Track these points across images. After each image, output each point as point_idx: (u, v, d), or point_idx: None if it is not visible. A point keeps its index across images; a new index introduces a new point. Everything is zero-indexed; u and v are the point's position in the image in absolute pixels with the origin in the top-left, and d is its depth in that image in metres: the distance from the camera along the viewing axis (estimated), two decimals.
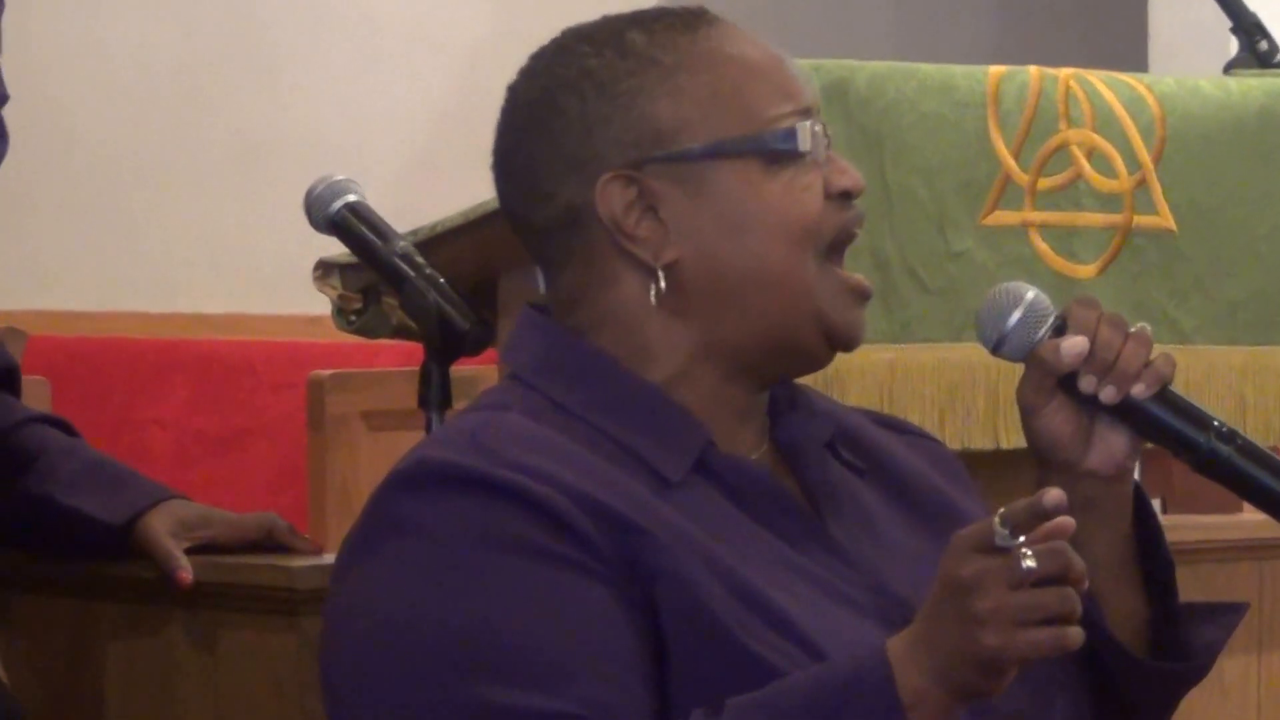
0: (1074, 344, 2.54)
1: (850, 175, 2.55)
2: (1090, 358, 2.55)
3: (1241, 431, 2.64)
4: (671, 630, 2.48)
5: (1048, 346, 2.56)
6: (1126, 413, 2.58)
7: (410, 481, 2.52)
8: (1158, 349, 2.65)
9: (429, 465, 2.52)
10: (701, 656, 2.48)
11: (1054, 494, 2.36)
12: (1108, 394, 2.55)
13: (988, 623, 2.32)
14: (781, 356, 2.60)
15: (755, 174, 2.52)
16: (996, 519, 2.40)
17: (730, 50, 2.60)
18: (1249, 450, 2.61)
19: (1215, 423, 2.62)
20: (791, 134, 2.53)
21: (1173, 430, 2.59)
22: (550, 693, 2.42)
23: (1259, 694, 3.56)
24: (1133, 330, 2.58)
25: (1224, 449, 2.59)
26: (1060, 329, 2.58)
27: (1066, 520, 2.35)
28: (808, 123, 2.54)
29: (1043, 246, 3.23)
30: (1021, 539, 2.38)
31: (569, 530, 2.44)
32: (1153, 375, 2.56)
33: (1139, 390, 2.56)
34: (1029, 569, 2.34)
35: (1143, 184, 3.30)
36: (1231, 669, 3.43)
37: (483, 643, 2.48)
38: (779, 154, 2.53)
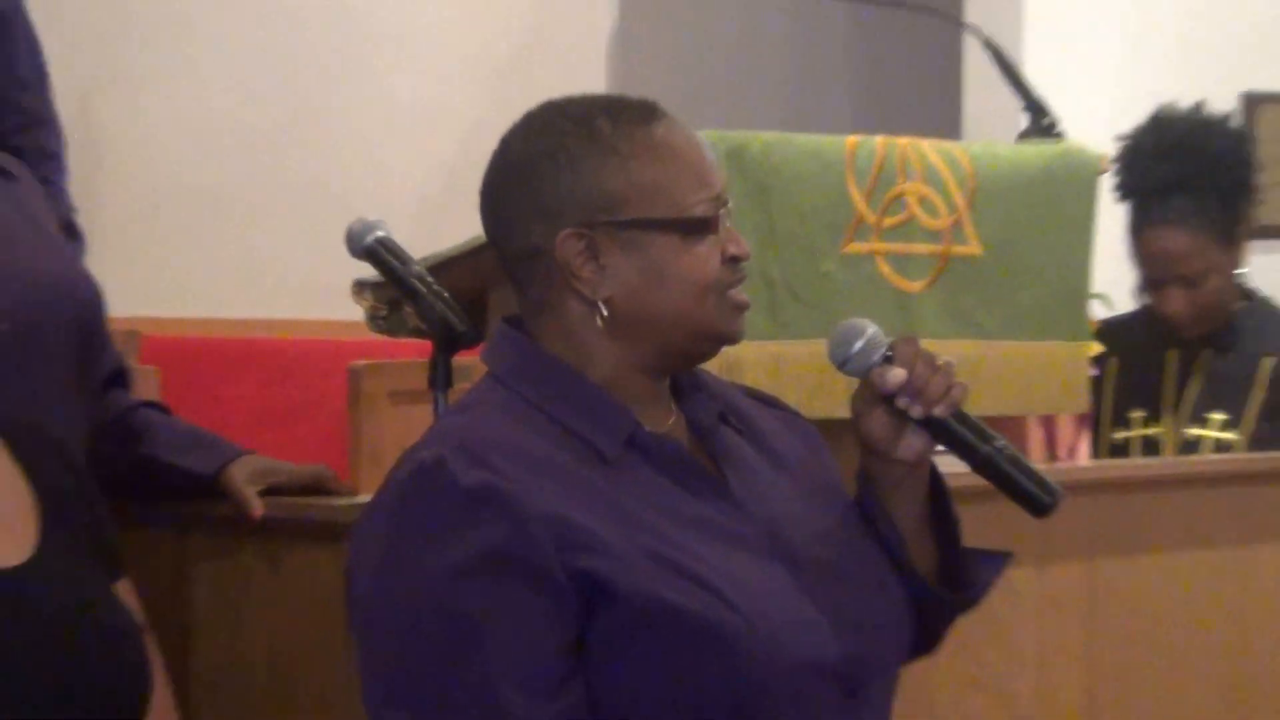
0: (896, 374, 2.60)
1: (740, 245, 2.63)
2: (906, 385, 2.60)
3: (1009, 443, 2.70)
4: (599, 601, 2.45)
5: (876, 373, 2.62)
6: (927, 424, 2.62)
7: (415, 474, 2.51)
8: (970, 348, 2.79)
9: (432, 461, 2.49)
10: (627, 615, 2.45)
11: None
12: (915, 412, 2.61)
13: None
14: (686, 359, 2.66)
15: (674, 243, 2.56)
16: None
17: (670, 145, 2.63)
18: (1013, 459, 2.67)
19: (993, 437, 2.68)
20: (704, 221, 2.59)
21: (959, 441, 2.65)
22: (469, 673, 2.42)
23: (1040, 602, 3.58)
24: (940, 364, 2.65)
25: (996, 457, 2.65)
26: (889, 359, 2.63)
27: None
28: (717, 208, 2.61)
29: (886, 269, 3.32)
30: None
31: (521, 530, 2.43)
32: (949, 403, 2.63)
33: (939, 410, 2.62)
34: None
35: (958, 222, 3.39)
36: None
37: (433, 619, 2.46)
38: (692, 230, 2.58)
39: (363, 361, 3.55)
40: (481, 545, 2.40)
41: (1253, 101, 6.04)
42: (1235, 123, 5.10)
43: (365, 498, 2.79)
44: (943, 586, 2.71)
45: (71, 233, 3.50)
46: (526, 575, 2.40)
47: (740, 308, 2.62)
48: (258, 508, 3.08)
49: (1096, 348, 3.83)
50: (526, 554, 2.40)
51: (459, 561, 2.41)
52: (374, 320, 3.28)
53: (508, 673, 2.39)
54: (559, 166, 2.60)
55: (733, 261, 2.60)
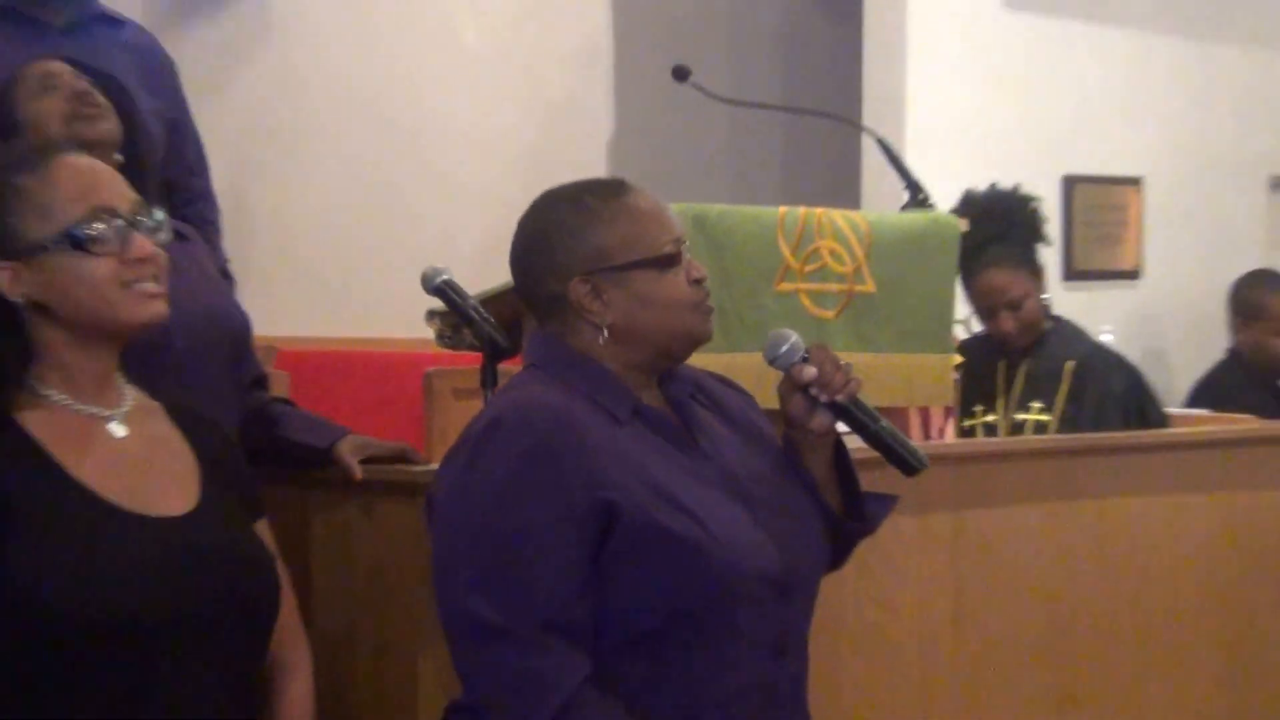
0: (810, 371, 2.65)
1: (699, 269, 2.69)
2: (817, 379, 2.65)
3: (891, 424, 2.76)
4: (612, 523, 2.49)
5: (796, 369, 2.66)
6: (831, 407, 2.66)
7: (491, 424, 2.56)
8: (867, 359, 2.90)
9: (497, 417, 2.57)
10: (633, 534, 2.49)
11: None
12: (822, 398, 2.66)
13: None
14: (673, 358, 2.71)
15: (653, 275, 2.62)
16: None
17: (639, 207, 2.67)
18: (893, 434, 2.73)
19: (879, 418, 2.72)
20: (671, 256, 2.64)
21: (854, 420, 2.69)
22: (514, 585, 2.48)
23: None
24: (841, 365, 2.69)
25: (881, 433, 2.71)
26: (805, 359, 2.67)
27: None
28: (679, 245, 2.67)
29: (806, 302, 3.39)
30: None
31: (562, 469, 2.49)
32: (847, 392, 2.67)
33: (839, 397, 2.66)
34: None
35: (858, 269, 3.46)
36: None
37: (496, 552, 2.50)
38: (664, 264, 2.63)
39: (434, 368, 3.58)
40: (528, 478, 2.47)
41: (1069, 182, 6.03)
42: (1022, 193, 5.17)
43: (434, 466, 2.88)
44: (848, 519, 2.75)
45: (226, 276, 3.50)
46: (560, 501, 2.46)
47: (707, 313, 2.69)
48: (358, 472, 3.10)
49: (959, 359, 3.89)
50: (561, 485, 2.47)
51: (511, 488, 2.47)
52: (441, 339, 3.31)
53: (542, 569, 2.44)
54: (563, 235, 2.65)
55: (696, 283, 2.66)
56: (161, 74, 3.77)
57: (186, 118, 3.84)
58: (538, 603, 2.43)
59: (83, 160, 2.46)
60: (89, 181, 2.42)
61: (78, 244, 2.36)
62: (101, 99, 3.07)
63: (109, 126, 3.02)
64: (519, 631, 2.41)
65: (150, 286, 2.42)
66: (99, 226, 2.37)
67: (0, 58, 3.43)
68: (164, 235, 2.48)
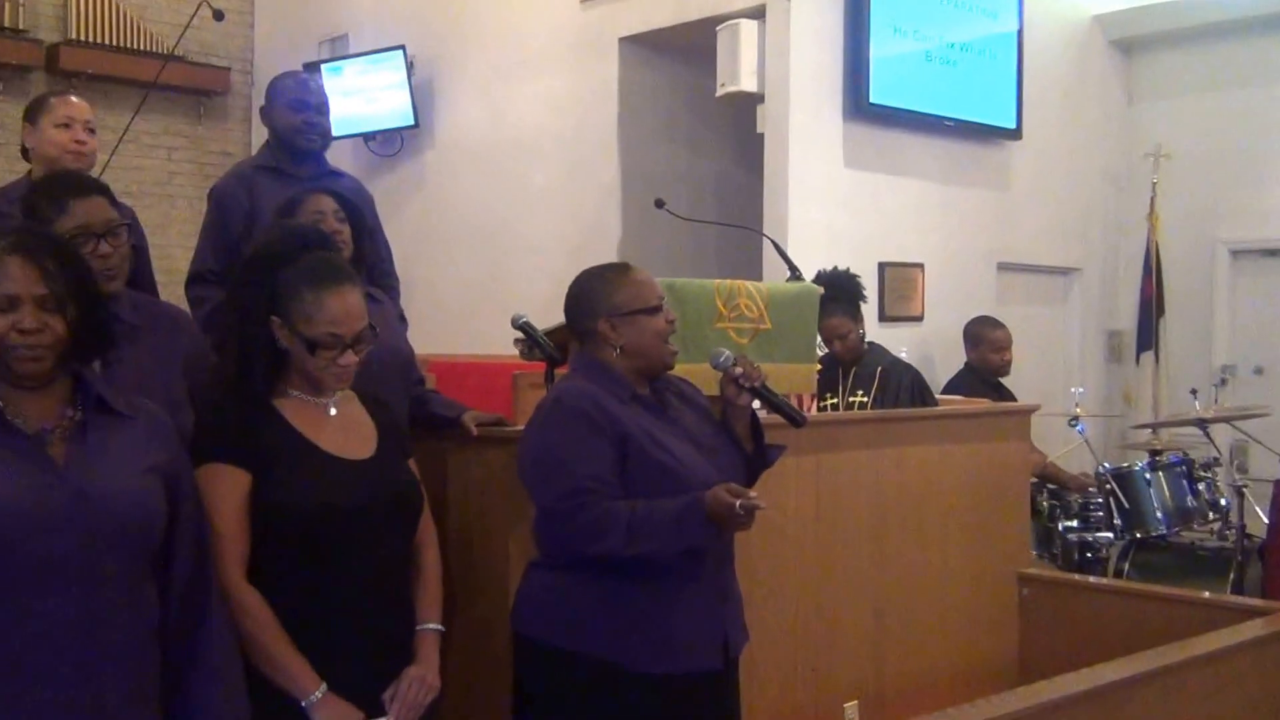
0: (737, 370, 2.64)
1: (670, 313, 2.67)
2: (742, 374, 2.63)
3: (786, 399, 2.76)
4: (628, 456, 2.49)
5: (730, 369, 2.65)
6: (751, 391, 2.64)
7: (551, 400, 2.58)
8: (768, 367, 2.87)
9: (557, 397, 2.57)
10: (639, 463, 2.49)
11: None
12: (745, 385, 2.65)
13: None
14: (655, 368, 2.66)
15: (645, 319, 2.61)
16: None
17: (640, 278, 2.66)
18: (787, 404, 2.71)
19: (778, 395, 2.70)
20: (657, 307, 2.63)
21: (765, 398, 2.67)
22: (581, 472, 2.46)
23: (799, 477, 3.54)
24: (755, 365, 2.67)
25: (781, 403, 2.69)
26: (735, 363, 2.64)
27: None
28: (661, 301, 2.64)
29: (732, 334, 3.30)
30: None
31: (595, 421, 2.48)
32: (759, 379, 2.64)
33: (756, 384, 2.64)
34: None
35: (762, 315, 3.40)
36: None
37: (562, 455, 2.49)
38: (652, 312, 2.61)
39: (518, 371, 3.53)
40: (580, 424, 2.49)
41: (882, 265, 6.03)
42: (850, 271, 5.12)
43: (519, 428, 2.82)
44: (755, 458, 2.70)
45: (402, 319, 3.44)
46: (601, 433, 2.48)
47: (673, 350, 2.67)
48: (474, 432, 3.01)
49: (818, 366, 3.81)
50: (595, 422, 2.49)
51: (567, 427, 2.50)
52: (521, 355, 3.21)
53: (588, 461, 2.46)
54: (594, 293, 2.65)
55: (670, 324, 2.65)
56: (366, 203, 3.65)
57: (380, 228, 3.74)
58: (589, 475, 2.45)
59: (348, 299, 2.34)
60: (340, 316, 2.32)
61: (311, 347, 2.32)
62: (347, 233, 2.98)
63: (346, 251, 2.92)
64: (586, 490, 2.44)
65: (345, 369, 2.36)
66: (328, 349, 2.33)
67: (267, 197, 3.38)
68: (366, 348, 2.41)
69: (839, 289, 4.89)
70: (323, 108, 3.71)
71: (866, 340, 5.05)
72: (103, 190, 2.52)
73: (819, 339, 4.79)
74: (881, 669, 3.83)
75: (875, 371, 4.85)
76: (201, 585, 2.10)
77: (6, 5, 7.57)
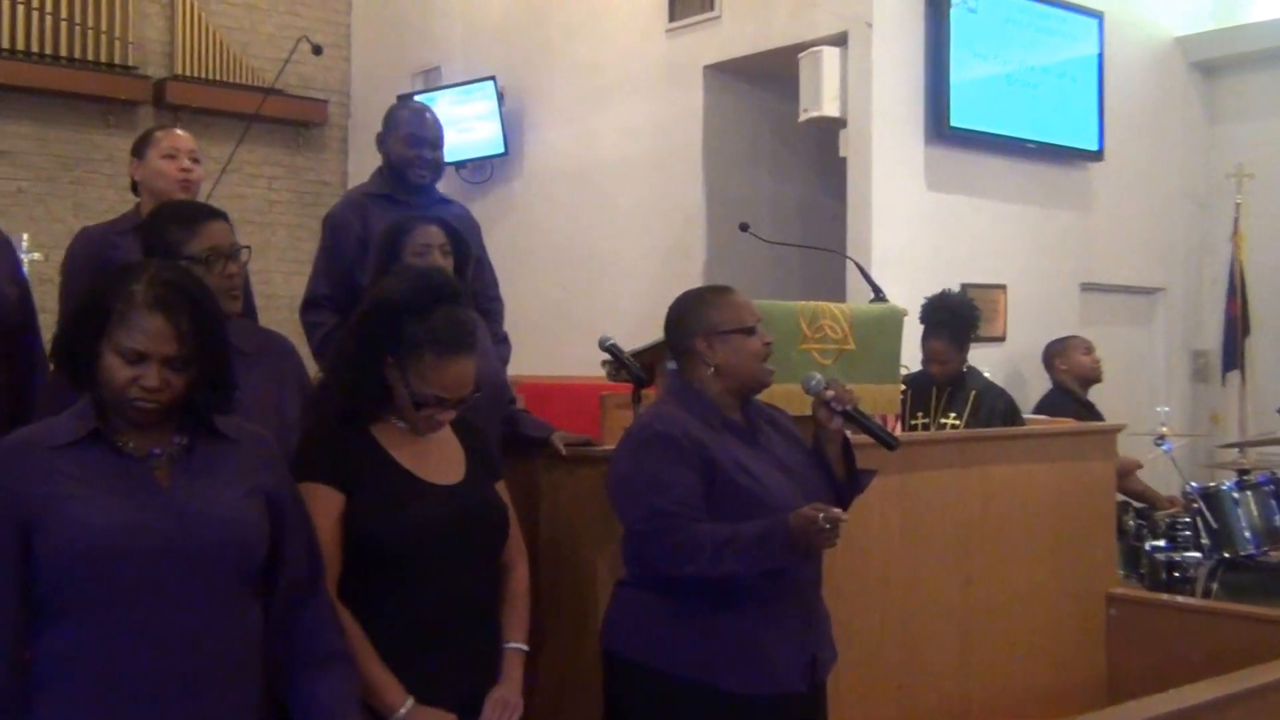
0: (829, 392, 2.59)
1: (766, 336, 2.64)
2: (835, 397, 2.58)
3: (878, 421, 2.77)
4: (715, 482, 2.47)
5: (821, 393, 2.60)
6: (843, 415, 2.59)
7: (641, 426, 2.57)
8: (855, 385, 2.76)
9: (646, 423, 2.56)
10: (725, 489, 2.47)
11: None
12: (838, 408, 2.60)
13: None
14: (749, 391, 2.63)
15: (741, 339, 2.60)
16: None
17: (737, 300, 2.65)
18: (880, 427, 2.69)
19: (870, 418, 2.68)
20: (752, 328, 2.61)
21: (857, 421, 2.61)
22: (667, 495, 2.44)
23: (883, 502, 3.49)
24: (848, 387, 2.62)
25: (873, 426, 2.65)
26: (826, 387, 2.60)
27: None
28: (757, 323, 2.62)
29: (816, 355, 3.26)
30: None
31: (683, 446, 2.45)
32: (851, 403, 2.60)
33: (848, 407, 2.59)
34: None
35: (845, 335, 3.34)
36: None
37: (649, 478, 2.47)
38: (748, 333, 2.59)
39: (605, 392, 3.52)
40: (667, 448, 2.46)
41: (965, 287, 5.95)
42: (966, 295, 5.11)
43: (607, 448, 2.84)
44: (846, 483, 2.65)
45: (505, 340, 3.46)
46: (687, 458, 2.45)
47: (770, 370, 2.64)
48: (564, 452, 3.01)
49: (903, 387, 3.75)
50: (687, 451, 2.45)
51: (655, 453, 2.47)
52: (609, 376, 3.20)
53: (672, 490, 2.43)
54: (694, 311, 2.64)
55: (766, 345, 2.61)
56: (473, 230, 3.67)
57: (485, 254, 3.74)
58: (674, 498, 2.42)
59: (464, 368, 2.33)
60: (451, 384, 2.31)
61: (418, 404, 2.32)
62: (450, 265, 2.97)
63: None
64: (672, 512, 2.42)
65: (441, 423, 2.39)
66: (431, 408, 2.33)
67: (379, 224, 3.34)
68: (466, 405, 2.40)
69: (952, 314, 4.88)
70: (438, 142, 3.71)
71: (966, 364, 5.00)
72: (224, 216, 2.58)
73: (921, 356, 4.86)
74: (968, 689, 3.76)
75: (969, 395, 4.77)
76: (312, 587, 2.12)
77: (116, 43, 7.78)
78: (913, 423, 4.64)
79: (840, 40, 5.97)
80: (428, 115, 3.75)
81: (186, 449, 1.99)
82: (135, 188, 3.63)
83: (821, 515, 2.29)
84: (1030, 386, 6.09)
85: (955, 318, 4.89)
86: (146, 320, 1.89)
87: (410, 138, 3.65)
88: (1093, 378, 5.86)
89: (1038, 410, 5.60)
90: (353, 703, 2.10)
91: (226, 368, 2.03)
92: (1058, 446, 4.16)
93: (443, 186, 3.84)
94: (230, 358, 2.05)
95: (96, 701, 1.84)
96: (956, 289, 5.75)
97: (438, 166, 3.73)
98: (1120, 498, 4.96)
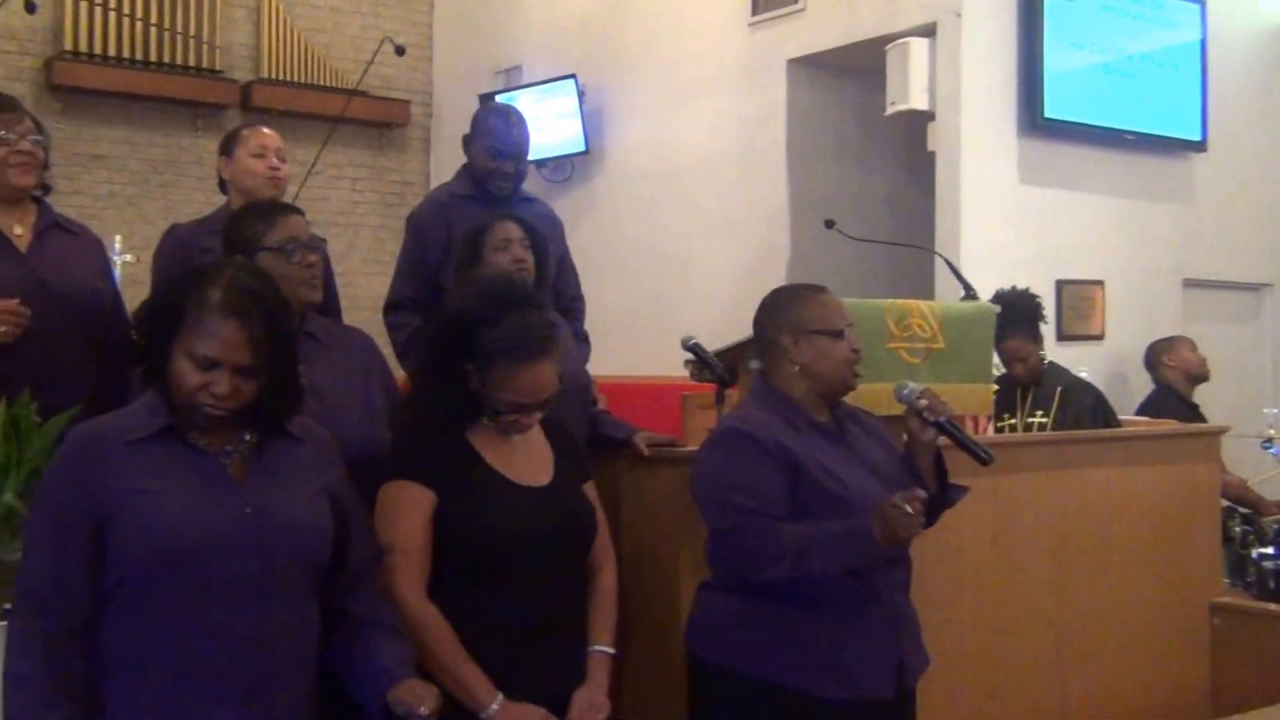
0: (923, 402, 2.54)
1: (855, 342, 2.61)
2: (928, 407, 2.53)
3: (970, 434, 2.79)
4: (800, 484, 2.45)
5: (915, 402, 2.55)
6: (936, 425, 2.54)
7: (725, 428, 2.55)
8: (940, 387, 2.73)
9: (729, 425, 2.54)
10: (811, 491, 2.45)
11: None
12: (930, 419, 2.54)
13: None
14: (835, 393, 2.61)
15: (829, 341, 2.57)
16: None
17: (827, 300, 2.63)
18: (974, 440, 2.60)
19: (963, 430, 2.64)
20: (841, 331, 2.57)
21: (949, 433, 2.56)
22: (750, 497, 2.43)
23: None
24: (941, 398, 2.57)
25: (966, 440, 2.58)
26: (919, 395, 2.55)
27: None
28: (846, 326, 2.59)
29: (903, 354, 3.22)
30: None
31: (767, 449, 2.44)
32: (945, 414, 2.55)
33: (940, 418, 2.54)
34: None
35: (934, 334, 3.28)
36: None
37: (732, 478, 2.46)
38: (836, 336, 2.56)
39: (687, 392, 3.51)
40: (751, 449, 2.45)
41: (1060, 283, 5.86)
42: (1029, 291, 4.99)
43: (690, 449, 2.83)
44: (937, 496, 2.60)
45: (586, 340, 3.48)
46: (771, 459, 2.44)
47: (857, 374, 2.61)
48: (646, 452, 3.01)
49: (995, 387, 3.69)
50: (765, 450, 2.45)
51: (737, 454, 2.46)
52: (691, 376, 3.17)
53: (757, 492, 2.42)
54: (784, 308, 2.62)
55: (855, 353, 2.58)
56: (555, 228, 3.69)
57: (567, 253, 3.77)
58: (757, 499, 2.41)
59: (541, 373, 2.35)
60: (528, 390, 2.34)
61: (495, 411, 2.37)
62: (530, 261, 3.01)
63: (529, 278, 2.95)
64: (756, 512, 2.41)
65: (525, 426, 2.41)
66: (512, 414, 2.36)
67: (463, 224, 3.37)
68: (550, 408, 2.43)
69: (1018, 310, 4.78)
70: (521, 153, 3.73)
71: (1046, 360, 4.91)
72: (300, 211, 2.66)
73: (996, 360, 4.74)
74: (1065, 699, 3.68)
75: (1055, 391, 4.71)
76: (369, 574, 2.15)
77: (204, 47, 7.96)
78: (1000, 424, 4.59)
79: (929, 31, 5.90)
80: (513, 122, 3.75)
81: (257, 447, 2.01)
82: (223, 186, 3.70)
83: (898, 496, 2.28)
84: (1131, 387, 5.97)
85: (1020, 312, 4.81)
86: (221, 327, 1.90)
87: (492, 150, 3.67)
88: (1201, 376, 5.75)
89: (1140, 411, 5.48)
90: (409, 667, 2.09)
91: (295, 374, 2.04)
92: (1158, 449, 4.06)
93: (525, 184, 3.85)
94: (297, 367, 2.06)
95: (163, 695, 1.87)
96: (1051, 285, 5.66)
97: (519, 176, 3.74)
98: (1225, 503, 4.83)
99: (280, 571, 1.95)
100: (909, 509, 2.27)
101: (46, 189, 3.17)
